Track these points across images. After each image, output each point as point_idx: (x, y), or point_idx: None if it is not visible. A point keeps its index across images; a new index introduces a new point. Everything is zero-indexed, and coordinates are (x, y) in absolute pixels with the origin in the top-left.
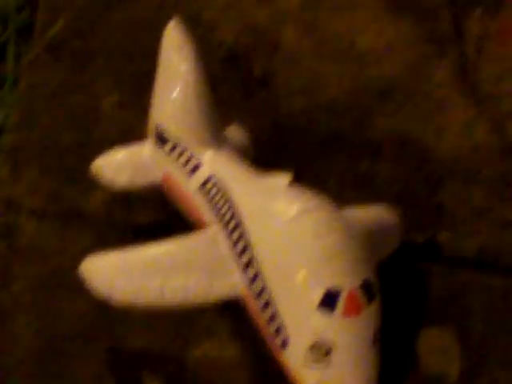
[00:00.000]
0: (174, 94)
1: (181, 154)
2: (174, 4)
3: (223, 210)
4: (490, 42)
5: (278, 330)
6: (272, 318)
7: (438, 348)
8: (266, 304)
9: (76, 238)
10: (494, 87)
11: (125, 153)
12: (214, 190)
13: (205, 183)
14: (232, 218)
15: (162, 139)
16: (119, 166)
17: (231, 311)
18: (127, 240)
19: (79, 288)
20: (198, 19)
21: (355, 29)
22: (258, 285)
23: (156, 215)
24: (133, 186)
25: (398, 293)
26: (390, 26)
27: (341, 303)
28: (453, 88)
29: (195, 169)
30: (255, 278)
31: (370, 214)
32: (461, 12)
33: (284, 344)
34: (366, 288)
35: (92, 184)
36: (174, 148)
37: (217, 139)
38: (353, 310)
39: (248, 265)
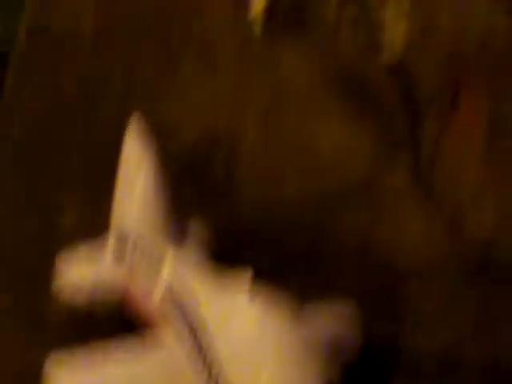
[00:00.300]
0: (135, 194)
1: (142, 258)
2: (136, 102)
3: (184, 320)
4: (446, 139)
5: None
6: None
7: None
8: None
9: (38, 341)
10: (451, 188)
11: (84, 267)
12: (175, 300)
13: (166, 292)
14: (193, 328)
15: (122, 239)
16: (78, 286)
17: None
18: (91, 339)
19: None
20: (159, 119)
21: (315, 130)
22: None
23: (118, 315)
24: (93, 302)
25: None
26: (349, 127)
27: None
28: (411, 189)
29: (156, 276)
30: None
31: (331, 317)
32: (416, 110)
33: None
34: None
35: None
36: (134, 250)
37: (177, 237)
38: None
39: (209, 378)
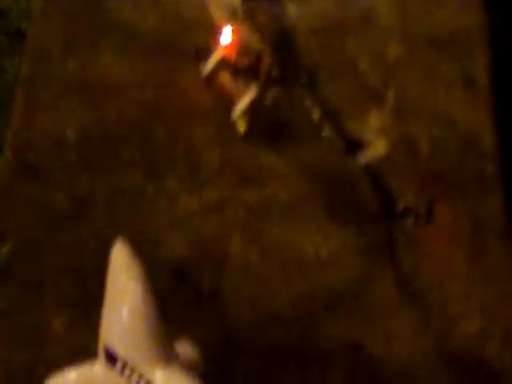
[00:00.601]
0: (122, 315)
1: (131, 375)
2: (121, 221)
3: None
4: (426, 247)
5: None
6: None
7: None
8: None
9: None
10: (437, 292)
11: (75, 374)
12: None
13: None
14: None
15: (111, 359)
16: None
17: None
18: None
19: None
20: (145, 235)
21: (300, 238)
22: None
23: None
24: None
25: None
26: (333, 235)
27: None
28: (398, 295)
29: None
30: None
31: None
32: (396, 219)
33: None
34: None
35: None
36: (123, 368)
37: (166, 357)
38: None
39: None
